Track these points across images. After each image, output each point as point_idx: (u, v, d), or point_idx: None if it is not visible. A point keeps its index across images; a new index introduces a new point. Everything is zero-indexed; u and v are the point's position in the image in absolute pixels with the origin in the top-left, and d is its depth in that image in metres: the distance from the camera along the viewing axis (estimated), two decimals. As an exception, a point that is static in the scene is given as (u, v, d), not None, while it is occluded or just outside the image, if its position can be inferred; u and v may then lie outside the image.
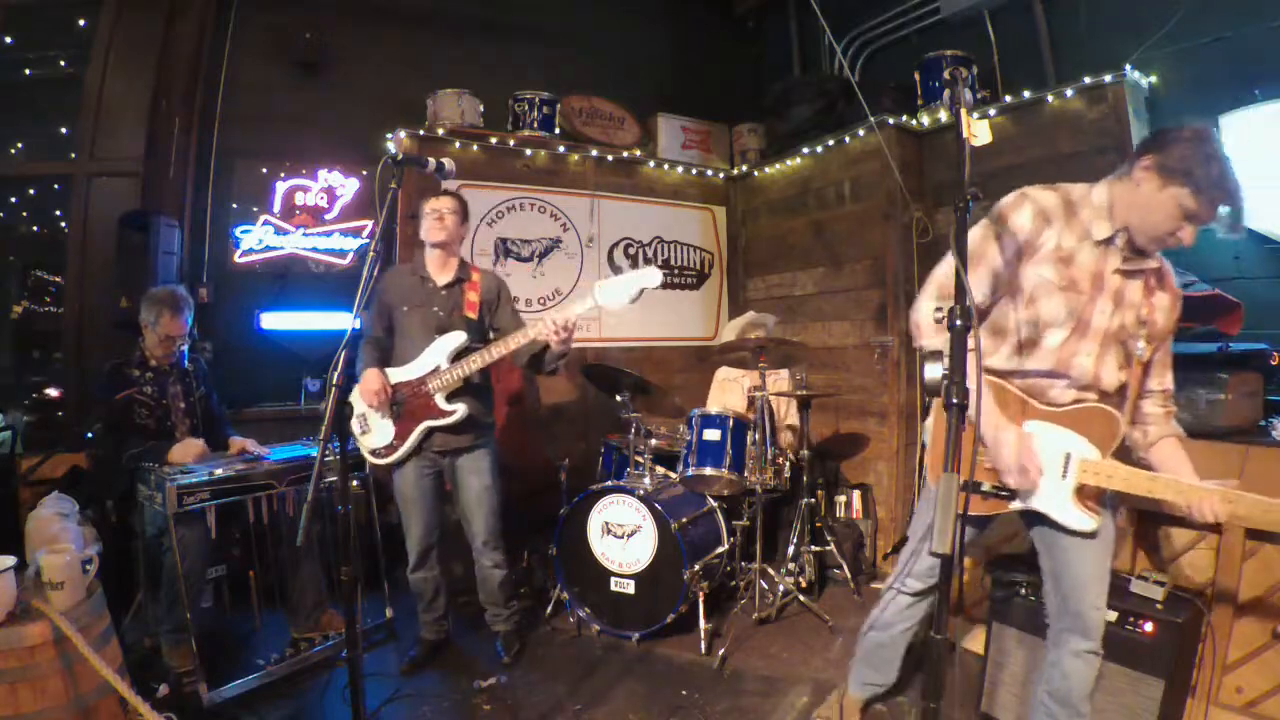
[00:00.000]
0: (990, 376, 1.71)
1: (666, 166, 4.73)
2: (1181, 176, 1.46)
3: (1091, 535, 1.69)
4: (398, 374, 2.61)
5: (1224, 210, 1.48)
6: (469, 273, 2.73)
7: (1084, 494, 1.66)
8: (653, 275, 2.29)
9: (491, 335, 2.73)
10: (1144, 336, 1.65)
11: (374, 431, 2.63)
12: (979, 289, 1.62)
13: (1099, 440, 1.64)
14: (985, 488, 1.64)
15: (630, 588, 2.94)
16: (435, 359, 2.57)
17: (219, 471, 2.46)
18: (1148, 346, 1.66)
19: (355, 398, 2.63)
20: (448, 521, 2.82)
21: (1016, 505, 1.71)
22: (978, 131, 1.30)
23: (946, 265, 1.66)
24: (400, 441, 2.58)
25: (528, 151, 4.26)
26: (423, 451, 2.62)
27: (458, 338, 2.58)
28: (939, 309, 1.46)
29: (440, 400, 2.55)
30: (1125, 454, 1.72)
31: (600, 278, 4.46)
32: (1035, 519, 1.77)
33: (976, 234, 1.62)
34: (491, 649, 2.82)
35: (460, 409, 2.55)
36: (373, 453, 2.64)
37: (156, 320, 2.65)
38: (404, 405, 2.58)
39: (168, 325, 2.65)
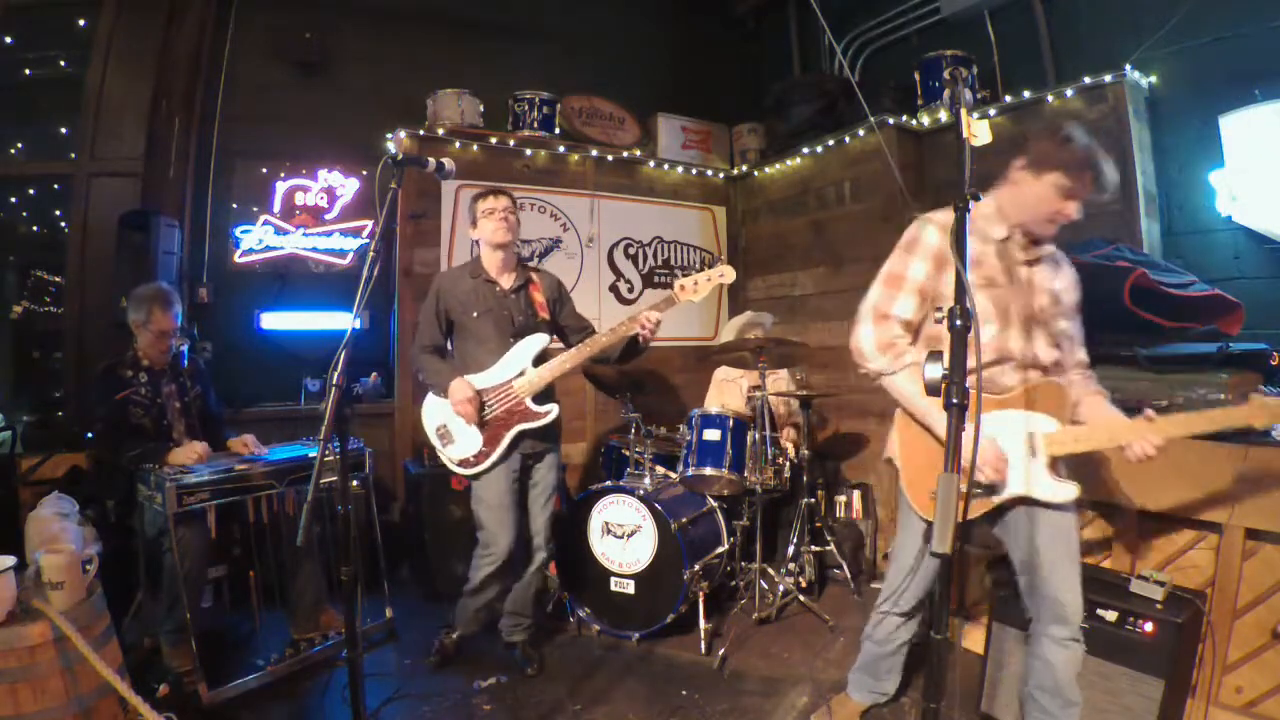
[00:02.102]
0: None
1: (666, 166, 4.73)
2: (1049, 165, 1.73)
3: (1070, 507, 1.79)
4: (478, 380, 2.54)
5: (1092, 178, 1.72)
6: (529, 273, 2.70)
7: (1056, 467, 1.77)
8: (730, 272, 2.50)
9: (565, 334, 2.76)
10: (1062, 314, 1.85)
11: (458, 441, 2.56)
12: (908, 307, 1.82)
13: (1055, 412, 1.76)
14: (963, 489, 1.70)
15: (630, 588, 2.94)
16: (519, 363, 2.55)
17: (219, 471, 2.46)
18: (1069, 324, 1.88)
19: (432, 410, 2.61)
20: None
21: (1000, 497, 1.78)
22: (978, 131, 1.31)
23: (876, 292, 1.87)
24: (491, 449, 2.52)
25: (528, 151, 4.26)
26: (511, 456, 2.56)
27: (541, 340, 2.57)
28: (879, 332, 1.81)
29: (531, 403, 2.53)
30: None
31: (601, 278, 4.51)
32: (1000, 513, 1.85)
33: (893, 261, 1.87)
34: (494, 650, 2.82)
35: (553, 409, 2.55)
36: (460, 463, 2.56)
37: (148, 318, 2.63)
38: (492, 411, 2.53)
39: (159, 320, 2.63)
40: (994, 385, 1.81)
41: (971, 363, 1.26)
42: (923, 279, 1.81)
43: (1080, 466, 2.38)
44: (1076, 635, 1.81)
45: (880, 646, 2.15)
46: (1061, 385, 1.80)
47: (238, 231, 3.93)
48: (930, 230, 1.81)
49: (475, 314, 2.59)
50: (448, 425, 2.58)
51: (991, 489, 1.76)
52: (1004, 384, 1.81)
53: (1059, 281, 1.88)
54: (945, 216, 1.81)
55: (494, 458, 2.52)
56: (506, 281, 2.63)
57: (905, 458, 1.91)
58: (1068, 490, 1.75)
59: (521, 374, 2.54)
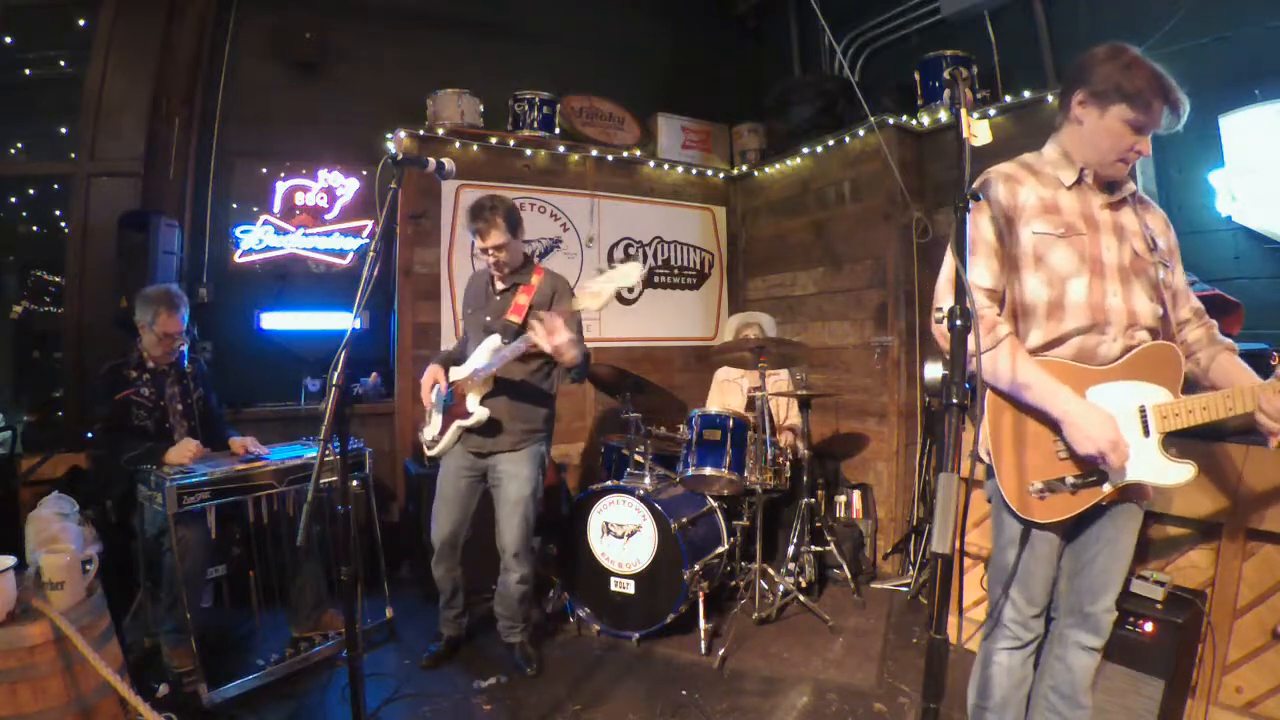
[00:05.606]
0: (1036, 358, 1.58)
1: (666, 166, 4.73)
2: (1114, 94, 1.51)
3: (1144, 502, 1.62)
4: (458, 371, 2.66)
5: (1163, 107, 1.52)
6: (529, 275, 2.66)
7: (1169, 445, 1.53)
8: (631, 272, 2.23)
9: None
10: (1159, 263, 1.64)
11: (430, 423, 2.73)
12: (988, 273, 1.60)
13: (1166, 380, 1.54)
14: (1070, 480, 1.50)
15: (630, 588, 2.94)
16: (479, 360, 2.59)
17: (219, 471, 2.46)
18: (1168, 271, 1.65)
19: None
20: (481, 523, 2.78)
21: (1110, 487, 1.53)
22: (978, 131, 1.31)
23: (950, 263, 1.56)
24: (441, 436, 2.66)
25: (528, 151, 4.26)
26: (464, 451, 2.66)
27: (493, 341, 2.58)
28: (938, 309, 1.52)
29: (469, 401, 2.57)
30: (1190, 388, 1.61)
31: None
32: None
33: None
34: (494, 650, 2.82)
35: (482, 412, 2.55)
36: (426, 443, 2.73)
37: (153, 319, 2.64)
38: (450, 402, 2.65)
39: (164, 323, 2.64)
40: (1095, 358, 1.58)
41: (971, 347, 1.22)
42: (994, 239, 1.58)
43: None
44: (1101, 647, 1.70)
45: (1001, 714, 1.70)
46: (1171, 347, 1.57)
47: (238, 231, 3.93)
48: (991, 183, 1.60)
49: (470, 310, 2.76)
50: (430, 407, 2.73)
51: (1103, 477, 1.51)
52: (1107, 355, 1.58)
53: (1150, 223, 1.65)
54: (1007, 167, 1.64)
55: (442, 445, 2.67)
56: (501, 283, 2.68)
57: (1003, 451, 1.58)
58: (1184, 471, 1.50)
59: (474, 371, 2.59)
